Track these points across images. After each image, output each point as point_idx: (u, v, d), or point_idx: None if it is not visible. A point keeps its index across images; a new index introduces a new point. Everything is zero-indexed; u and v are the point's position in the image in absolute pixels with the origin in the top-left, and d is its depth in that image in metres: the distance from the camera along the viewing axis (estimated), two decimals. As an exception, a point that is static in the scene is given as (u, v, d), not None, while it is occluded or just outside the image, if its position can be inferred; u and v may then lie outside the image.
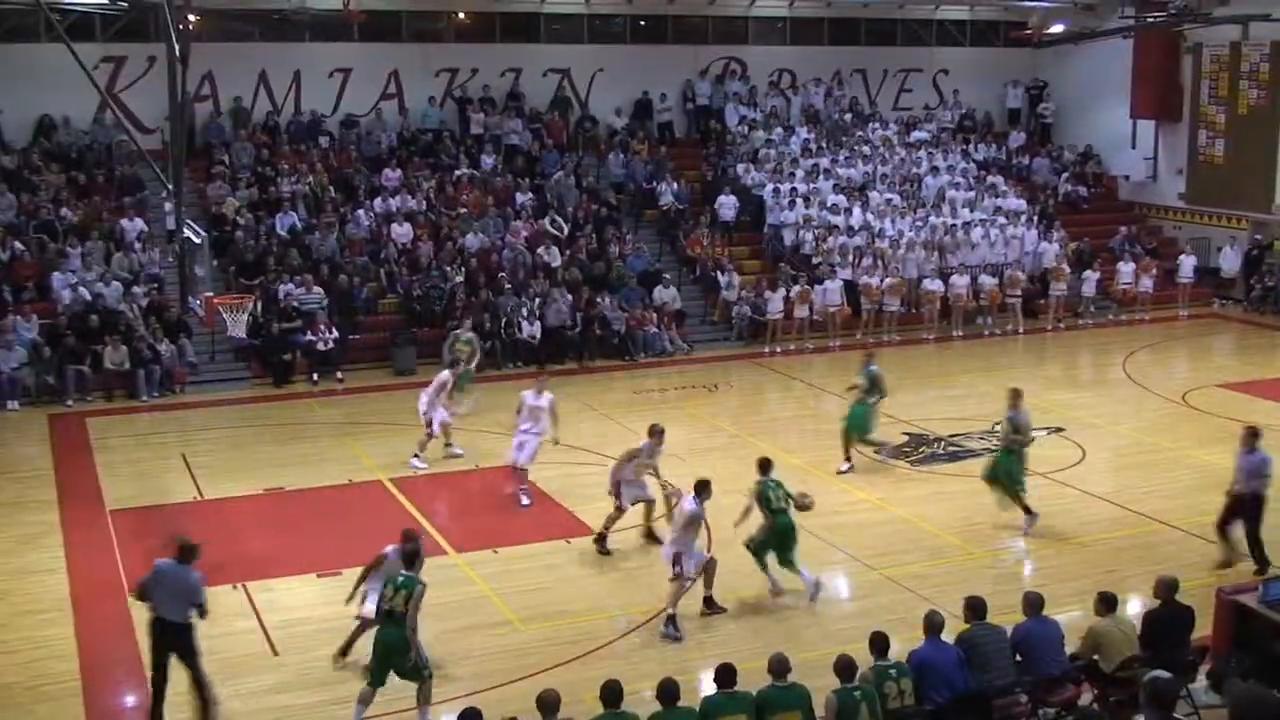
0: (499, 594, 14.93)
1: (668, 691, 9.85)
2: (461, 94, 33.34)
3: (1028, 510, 16.82)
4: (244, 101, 31.49)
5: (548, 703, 9.66)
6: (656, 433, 16.65)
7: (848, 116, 36.66)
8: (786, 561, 14.61)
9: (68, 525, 17.34)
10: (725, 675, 10.11)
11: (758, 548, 14.69)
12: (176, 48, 24.76)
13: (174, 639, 11.62)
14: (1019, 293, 30.97)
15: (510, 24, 34.05)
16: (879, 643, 10.60)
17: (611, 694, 9.77)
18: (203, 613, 11.76)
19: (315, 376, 25.59)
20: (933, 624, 10.95)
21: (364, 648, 12.43)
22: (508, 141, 32.71)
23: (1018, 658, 11.04)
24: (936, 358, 28.87)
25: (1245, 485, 15.04)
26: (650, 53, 35.12)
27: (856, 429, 19.62)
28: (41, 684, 12.71)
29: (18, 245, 26.43)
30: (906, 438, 21.37)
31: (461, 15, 33.76)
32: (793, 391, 25.65)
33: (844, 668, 10.20)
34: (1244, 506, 15.07)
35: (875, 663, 10.45)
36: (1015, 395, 17.12)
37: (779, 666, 10.23)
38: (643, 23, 35.57)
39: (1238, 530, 15.18)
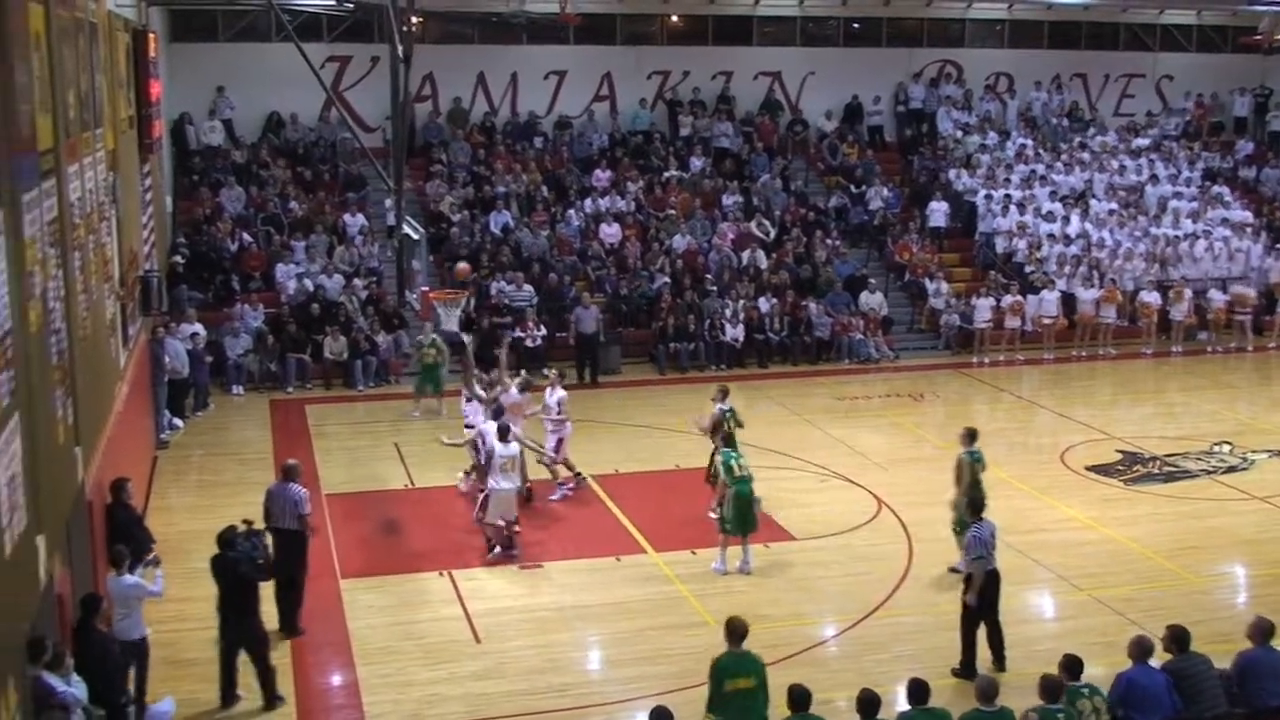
0: (696, 595, 15.01)
1: (868, 703, 9.77)
2: (672, 96, 33.59)
3: None
4: (462, 102, 32.29)
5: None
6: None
7: (1066, 122, 35.74)
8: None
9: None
10: (918, 691, 10.00)
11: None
12: (399, 48, 25.55)
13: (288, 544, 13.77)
14: (1249, 310, 29.68)
15: (722, 27, 34.13)
16: (1073, 667, 10.38)
17: (800, 697, 9.78)
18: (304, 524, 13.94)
19: (523, 373, 26.04)
20: (1141, 648, 10.62)
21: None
22: (717, 144, 32.83)
23: (1234, 688, 10.63)
24: (1153, 373, 27.90)
25: None
26: (863, 55, 34.77)
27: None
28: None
29: (246, 237, 27.69)
30: (1120, 455, 20.74)
31: (674, 18, 34.02)
32: (1001, 403, 25.11)
33: (1048, 689, 9.99)
34: None
35: (1068, 684, 10.20)
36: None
37: (986, 688, 10.05)
38: (856, 25, 35.25)
39: None
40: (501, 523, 16.14)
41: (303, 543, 14.05)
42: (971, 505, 13.50)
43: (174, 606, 13.64)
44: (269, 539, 13.21)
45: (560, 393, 18.82)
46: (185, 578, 14.69)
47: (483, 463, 16.47)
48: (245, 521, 13.13)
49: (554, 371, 19.92)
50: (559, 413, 18.70)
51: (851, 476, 19.58)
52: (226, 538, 12.52)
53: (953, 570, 15.02)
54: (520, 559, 16.10)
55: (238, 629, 12.35)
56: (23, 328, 9.77)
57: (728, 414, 17.47)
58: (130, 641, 11.62)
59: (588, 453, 20.62)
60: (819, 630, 14.17)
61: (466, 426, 18.63)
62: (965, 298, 29.11)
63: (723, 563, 15.76)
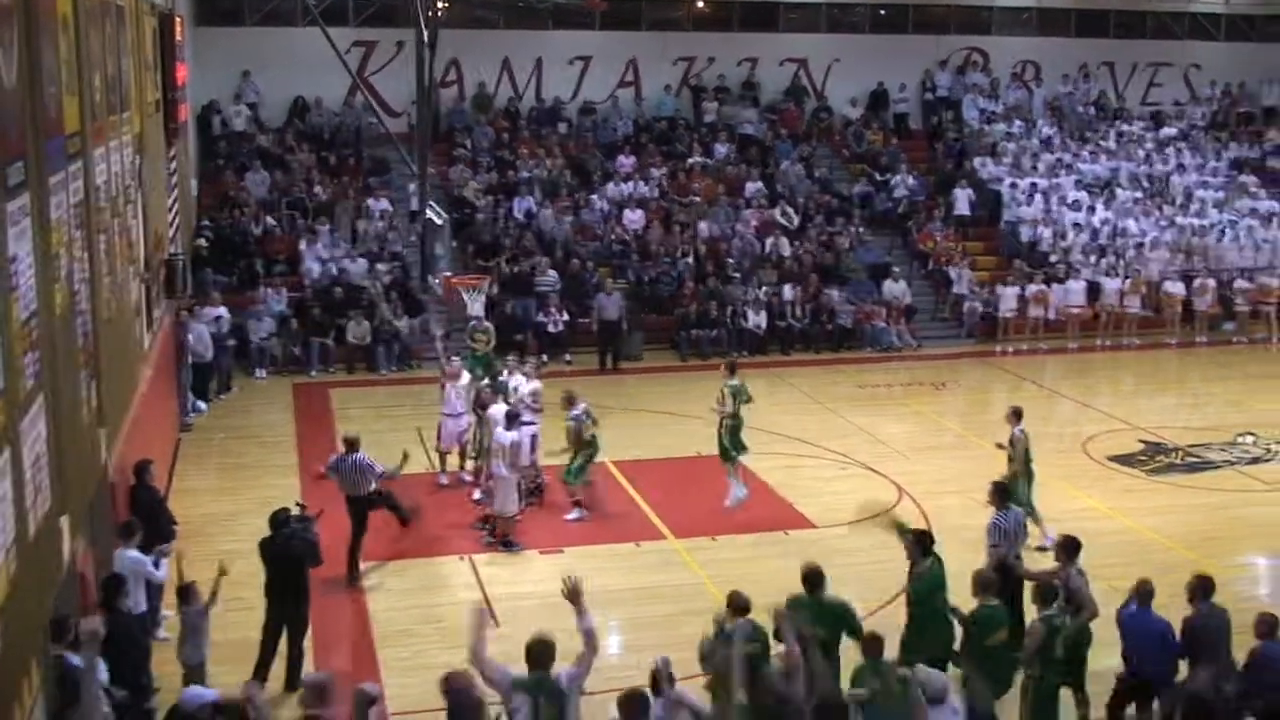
0: (716, 581, 15.02)
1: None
2: (697, 82, 33.55)
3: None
4: (487, 87, 32.31)
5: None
6: None
7: (1093, 110, 35.54)
8: None
9: (307, 492, 17.97)
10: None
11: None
12: (425, 33, 25.64)
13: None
14: (1273, 300, 29.49)
15: (748, 13, 34.06)
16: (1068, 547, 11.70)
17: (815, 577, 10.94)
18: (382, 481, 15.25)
19: (545, 358, 26.11)
20: (1140, 592, 11.04)
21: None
22: (741, 131, 32.77)
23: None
24: (1177, 363, 27.78)
25: None
26: (889, 42, 34.66)
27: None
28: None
29: (270, 221, 27.77)
30: (1143, 445, 20.66)
31: (700, 4, 33.98)
32: (1023, 392, 24.95)
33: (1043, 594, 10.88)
34: None
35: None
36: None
37: None
38: (882, 12, 35.14)
39: None
40: (513, 512, 16.17)
41: (373, 504, 15.30)
42: (998, 492, 13.46)
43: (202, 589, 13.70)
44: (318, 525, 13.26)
45: (536, 384, 18.48)
46: (208, 560, 14.76)
47: (502, 453, 16.17)
48: (299, 504, 13.26)
49: (531, 362, 19.97)
50: (534, 405, 18.25)
51: (873, 464, 19.56)
52: (278, 520, 12.60)
53: (1040, 549, 15.06)
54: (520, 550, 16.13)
55: (285, 612, 12.44)
56: (48, 310, 9.84)
57: (738, 390, 17.35)
58: None
59: (607, 438, 20.64)
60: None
61: (449, 415, 18.52)
62: (989, 286, 29.01)
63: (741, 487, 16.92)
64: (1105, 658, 11.44)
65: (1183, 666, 10.90)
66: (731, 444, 17.22)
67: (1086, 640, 11.26)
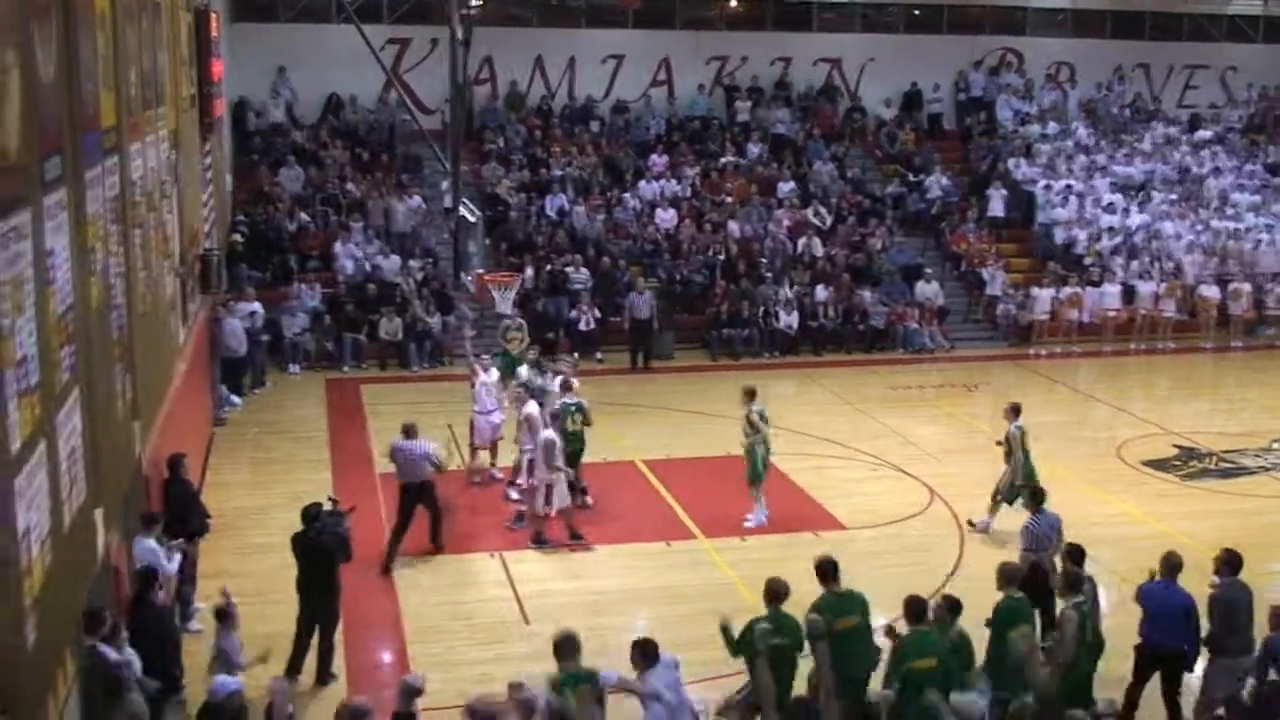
0: (746, 581, 14.96)
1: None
2: (730, 82, 33.49)
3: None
4: (520, 85, 32.34)
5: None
6: None
7: (1128, 112, 35.30)
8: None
9: (338, 486, 17.93)
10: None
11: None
12: (459, 31, 25.66)
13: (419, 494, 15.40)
14: (1311, 305, 29.27)
15: (781, 13, 34.00)
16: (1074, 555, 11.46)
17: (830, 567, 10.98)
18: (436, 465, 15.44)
19: (576, 355, 26.07)
20: (1168, 564, 11.16)
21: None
22: (774, 131, 32.69)
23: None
24: (1212, 368, 27.59)
25: None
26: (923, 43, 34.53)
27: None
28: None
29: (304, 217, 27.88)
30: (1177, 450, 20.50)
31: (733, 3, 33.93)
32: (1057, 396, 24.85)
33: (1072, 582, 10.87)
34: None
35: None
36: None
37: None
38: (916, 12, 35.01)
39: None
40: (555, 511, 16.10)
41: (425, 494, 15.53)
42: (1032, 495, 13.44)
43: (229, 582, 13.73)
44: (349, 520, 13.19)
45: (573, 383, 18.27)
46: (238, 553, 14.87)
47: (539, 451, 16.04)
48: (331, 499, 13.30)
49: (567, 360, 20.12)
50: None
51: (904, 466, 19.49)
52: (311, 515, 12.62)
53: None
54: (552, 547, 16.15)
55: (318, 606, 12.46)
56: (84, 304, 9.89)
57: (764, 413, 17.16)
58: None
59: (638, 437, 20.65)
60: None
61: (479, 413, 18.43)
62: (1023, 288, 28.85)
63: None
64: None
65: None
66: (763, 467, 17.01)
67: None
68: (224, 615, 11.01)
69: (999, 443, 16.70)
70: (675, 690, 9.67)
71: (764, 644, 9.99)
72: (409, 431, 15.44)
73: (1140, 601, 11.38)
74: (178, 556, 12.34)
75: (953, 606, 10.64)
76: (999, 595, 10.97)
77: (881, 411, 22.71)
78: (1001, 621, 10.72)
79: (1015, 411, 16.52)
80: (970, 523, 16.78)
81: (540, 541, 16.08)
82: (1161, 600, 11.13)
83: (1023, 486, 15.40)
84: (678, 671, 9.84)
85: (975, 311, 29.42)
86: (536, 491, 15.98)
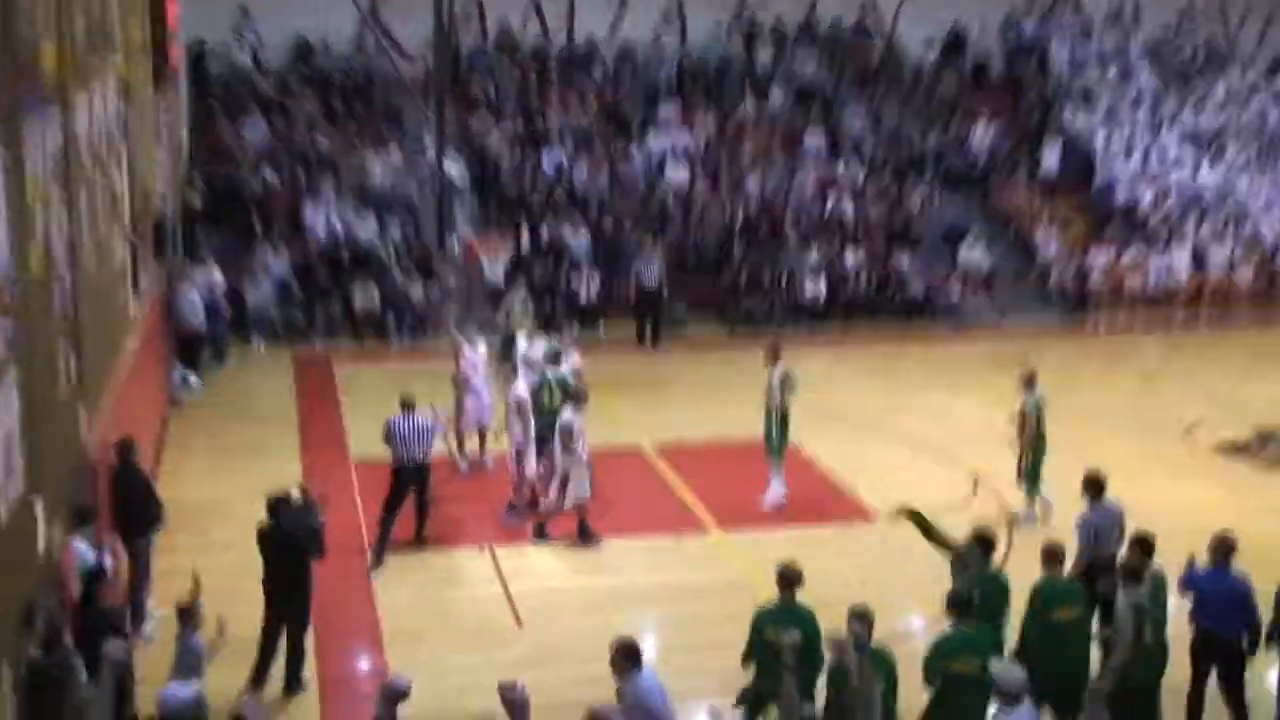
0: (763, 578, 15.04)
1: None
2: (751, 23, 33.40)
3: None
4: (512, 25, 32.25)
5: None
6: None
7: (1200, 56, 35.23)
8: None
9: (309, 474, 17.90)
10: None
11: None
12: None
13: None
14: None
15: (808, -58, 33.92)
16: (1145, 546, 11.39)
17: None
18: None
19: (576, 325, 26.11)
20: (1221, 547, 11.39)
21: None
22: (799, 77, 32.64)
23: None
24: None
25: None
26: (968, -24, 34.46)
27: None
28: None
29: (270, 174, 27.82)
30: (1253, 434, 20.53)
31: (754, -69, 33.80)
32: (1117, 372, 24.89)
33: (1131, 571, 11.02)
34: None
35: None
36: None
37: None
38: (962, -57, 34.89)
39: None
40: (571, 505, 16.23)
41: (422, 476, 15.80)
42: (1089, 483, 13.41)
43: (187, 581, 13.88)
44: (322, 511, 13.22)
45: (574, 359, 18.60)
46: (200, 550, 14.98)
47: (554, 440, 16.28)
48: (301, 488, 13.38)
49: (566, 333, 20.59)
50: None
51: (945, 450, 19.53)
52: (277, 506, 12.67)
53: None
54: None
55: (286, 607, 12.58)
56: (23, 272, 9.98)
57: (786, 377, 17.43)
58: None
59: (646, 419, 20.74)
60: (902, 618, 14.14)
61: (470, 394, 18.58)
62: (1080, 253, 28.88)
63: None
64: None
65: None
66: (781, 435, 17.30)
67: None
68: (187, 613, 10.87)
69: (1015, 418, 16.98)
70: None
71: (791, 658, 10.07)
72: (407, 405, 15.64)
73: (1188, 587, 11.57)
74: (109, 559, 12.28)
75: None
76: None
77: (919, 391, 22.80)
78: (1047, 602, 10.95)
79: (1030, 380, 16.74)
80: (1014, 516, 16.71)
81: (543, 535, 16.22)
82: (1215, 585, 11.35)
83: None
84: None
85: (1026, 279, 29.46)
86: (550, 480, 16.14)
